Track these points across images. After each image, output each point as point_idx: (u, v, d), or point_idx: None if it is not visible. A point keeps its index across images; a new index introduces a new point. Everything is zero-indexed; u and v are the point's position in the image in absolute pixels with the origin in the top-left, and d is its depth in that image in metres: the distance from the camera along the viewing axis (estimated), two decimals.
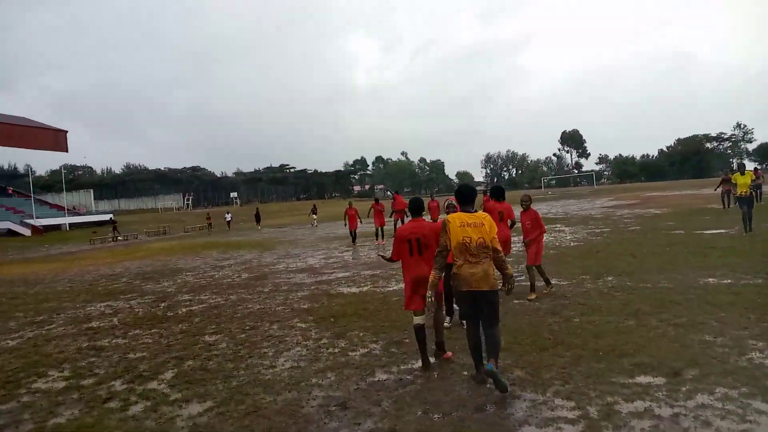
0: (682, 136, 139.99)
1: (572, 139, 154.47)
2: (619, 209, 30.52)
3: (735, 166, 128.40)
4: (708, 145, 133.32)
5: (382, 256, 6.82)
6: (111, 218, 53.22)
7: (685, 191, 46.86)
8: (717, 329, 6.12)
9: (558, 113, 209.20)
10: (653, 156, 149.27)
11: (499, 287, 5.01)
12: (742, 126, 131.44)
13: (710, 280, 8.80)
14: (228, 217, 48.80)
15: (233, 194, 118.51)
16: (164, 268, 17.72)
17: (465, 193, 5.20)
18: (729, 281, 8.57)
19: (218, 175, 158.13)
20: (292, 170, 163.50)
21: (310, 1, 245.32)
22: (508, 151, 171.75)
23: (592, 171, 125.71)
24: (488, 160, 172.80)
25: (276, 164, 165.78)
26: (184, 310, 10.03)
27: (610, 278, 9.71)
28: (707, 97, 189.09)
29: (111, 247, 34.59)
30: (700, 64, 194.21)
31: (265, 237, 31.32)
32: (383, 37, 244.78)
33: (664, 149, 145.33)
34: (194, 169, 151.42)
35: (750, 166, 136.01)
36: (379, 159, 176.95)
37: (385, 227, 21.57)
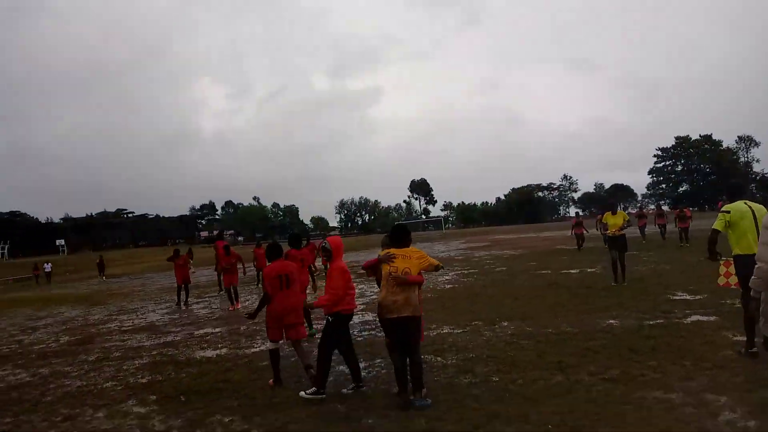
0: (516, 186, 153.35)
1: (420, 187, 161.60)
2: (476, 251, 31.08)
3: (573, 210, 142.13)
4: (540, 193, 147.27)
5: (250, 315, 6.82)
6: None
7: (527, 234, 50.02)
8: (662, 382, 5.24)
9: (405, 163, 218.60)
10: (492, 203, 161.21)
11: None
12: (568, 177, 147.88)
13: (612, 322, 8.19)
14: (47, 267, 42.17)
15: (60, 242, 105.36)
16: None
17: (396, 233, 5.61)
18: (633, 322, 8.00)
19: (42, 221, 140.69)
20: (130, 215, 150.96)
21: (156, 44, 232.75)
22: (360, 197, 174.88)
23: (439, 216, 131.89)
24: (342, 205, 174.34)
25: (111, 208, 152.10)
26: None
27: (505, 324, 8.78)
28: (534, 151, 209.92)
29: None
30: (526, 123, 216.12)
31: (95, 290, 27.08)
32: (232, 82, 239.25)
33: (501, 197, 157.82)
34: (13, 214, 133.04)
35: (572, 212, 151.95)
36: (229, 204, 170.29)
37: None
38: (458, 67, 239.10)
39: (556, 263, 18.59)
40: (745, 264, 5.65)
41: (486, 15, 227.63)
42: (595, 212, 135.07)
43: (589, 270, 15.49)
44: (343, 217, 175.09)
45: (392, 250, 5.38)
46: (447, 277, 17.09)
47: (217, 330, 10.80)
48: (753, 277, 4.01)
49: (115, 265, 51.88)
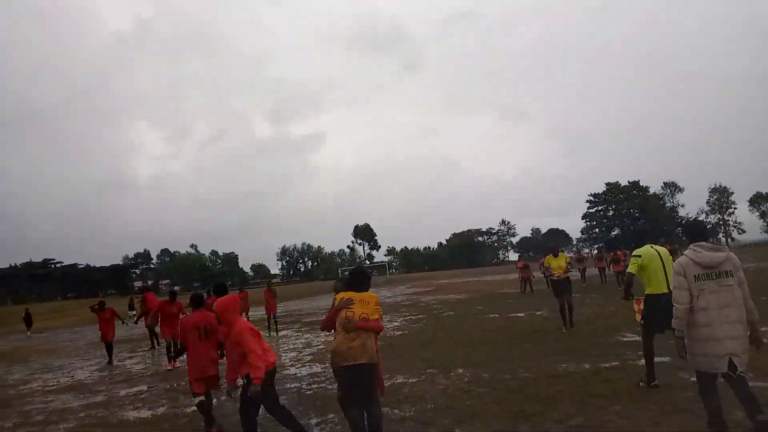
0: (456, 231, 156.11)
1: (364, 232, 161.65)
2: (422, 296, 30.94)
3: (514, 254, 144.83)
4: (480, 238, 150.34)
5: (171, 357, 7.32)
6: None
7: (469, 278, 50.49)
8: (631, 429, 5.08)
9: (348, 208, 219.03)
10: (433, 248, 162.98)
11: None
12: (506, 222, 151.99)
13: (567, 366, 8.08)
14: None
15: None
16: None
17: (356, 277, 5.32)
18: (588, 366, 7.92)
19: None
20: (58, 265, 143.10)
21: (91, 84, 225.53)
22: (303, 243, 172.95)
23: (384, 261, 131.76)
24: (284, 252, 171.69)
25: (37, 258, 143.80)
26: None
27: (460, 371, 8.53)
28: (472, 196, 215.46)
29: None
30: (463, 170, 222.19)
31: (16, 345, 25.03)
32: (170, 126, 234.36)
33: (443, 242, 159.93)
34: None
35: (513, 256, 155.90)
36: (165, 252, 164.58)
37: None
38: (398, 113, 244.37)
39: (503, 307, 18.64)
40: (653, 301, 6.39)
41: (424, 63, 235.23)
42: (533, 256, 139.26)
43: (536, 313, 15.55)
44: (285, 263, 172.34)
45: (350, 294, 5.05)
46: (396, 324, 16.77)
47: (153, 387, 10.00)
48: (673, 318, 4.27)
49: (41, 319, 48.55)
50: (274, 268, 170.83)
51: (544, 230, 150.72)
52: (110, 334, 14.33)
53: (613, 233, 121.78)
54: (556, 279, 12.01)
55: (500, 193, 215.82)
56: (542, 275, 25.01)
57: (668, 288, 6.06)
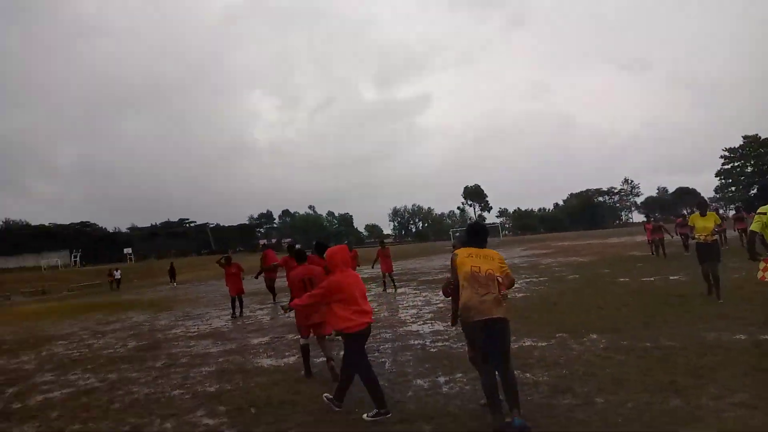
0: (574, 191, 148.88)
1: (475, 194, 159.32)
2: (540, 258, 29.91)
3: (637, 216, 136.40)
4: (600, 198, 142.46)
5: (282, 307, 6.60)
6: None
7: (591, 240, 48.03)
8: None
9: (457, 170, 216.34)
10: (549, 209, 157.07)
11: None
12: (629, 181, 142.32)
13: (718, 335, 7.29)
14: (117, 274, 43.42)
15: (127, 250, 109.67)
16: (29, 336, 14.16)
17: (473, 231, 5.19)
18: (743, 336, 7.09)
19: (110, 230, 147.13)
20: (192, 224, 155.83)
21: (208, 59, 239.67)
22: (413, 205, 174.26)
23: (496, 223, 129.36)
24: (395, 213, 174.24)
25: (174, 218, 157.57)
26: (39, 398, 7.12)
27: (594, 336, 8.00)
28: (591, 154, 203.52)
29: None
30: (580, 127, 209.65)
31: (162, 296, 27.60)
32: (282, 95, 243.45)
33: (559, 203, 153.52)
34: (83, 224, 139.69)
35: (638, 217, 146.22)
36: (286, 213, 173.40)
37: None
38: (507, 70, 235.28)
39: (633, 270, 17.43)
40: None
41: (532, 16, 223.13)
42: (660, 217, 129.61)
43: (672, 278, 14.34)
44: (396, 224, 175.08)
45: (471, 250, 4.90)
46: (516, 286, 16.24)
47: (281, 338, 10.46)
48: None
49: (180, 273, 53.26)
50: (387, 229, 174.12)
51: (671, 189, 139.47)
52: (237, 288, 14.76)
53: (751, 192, 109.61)
54: (703, 242, 10.35)
55: (622, 151, 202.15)
56: (678, 237, 23.12)
57: None
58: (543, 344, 7.78)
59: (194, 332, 12.28)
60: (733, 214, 24.42)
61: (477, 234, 5.08)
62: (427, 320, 10.99)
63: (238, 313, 14.56)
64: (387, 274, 18.54)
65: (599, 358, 6.69)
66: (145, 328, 13.85)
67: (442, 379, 6.36)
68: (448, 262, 5.23)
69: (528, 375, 6.21)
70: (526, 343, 7.92)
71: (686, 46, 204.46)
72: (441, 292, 5.18)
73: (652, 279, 14.55)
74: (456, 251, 4.99)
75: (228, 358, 8.82)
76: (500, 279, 4.78)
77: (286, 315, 7.97)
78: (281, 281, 17.87)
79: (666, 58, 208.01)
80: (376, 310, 13.56)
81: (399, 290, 17.87)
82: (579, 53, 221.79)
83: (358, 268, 21.20)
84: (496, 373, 4.68)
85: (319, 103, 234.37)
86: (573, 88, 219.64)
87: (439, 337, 9.00)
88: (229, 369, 7.99)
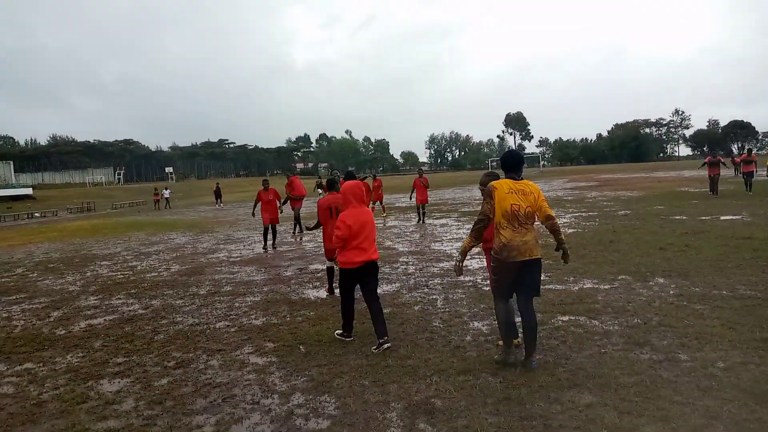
0: (619, 122, 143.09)
1: (516, 122, 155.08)
2: (585, 191, 28.92)
3: (683, 150, 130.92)
4: (647, 130, 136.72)
5: (308, 227, 7.66)
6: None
7: (637, 174, 46.33)
8: None
9: (498, 96, 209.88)
10: (592, 140, 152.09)
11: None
12: (680, 112, 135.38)
13: None
14: (167, 193, 43.54)
15: (168, 169, 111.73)
16: (75, 255, 14.36)
17: (510, 160, 4.77)
18: None
19: (152, 149, 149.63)
20: (231, 145, 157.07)
21: None
22: (451, 132, 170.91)
23: (537, 153, 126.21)
24: (432, 140, 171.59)
25: (214, 139, 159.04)
26: (83, 324, 7.02)
27: (661, 280, 7.42)
28: (639, 83, 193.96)
29: (24, 225, 30.23)
30: (630, 53, 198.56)
31: (203, 216, 27.88)
32: (323, 12, 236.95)
33: (603, 134, 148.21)
34: (127, 142, 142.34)
35: (684, 151, 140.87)
36: (323, 137, 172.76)
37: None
38: None
39: (689, 208, 16.50)
40: None
41: None
42: (707, 152, 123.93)
43: (735, 217, 13.43)
44: (432, 152, 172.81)
45: (510, 184, 4.58)
46: (564, 220, 15.60)
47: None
48: None
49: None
50: (423, 156, 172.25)
51: (724, 122, 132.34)
52: (272, 217, 13.23)
53: None
54: None
55: (675, 79, 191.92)
56: (738, 176, 21.77)
57: None
58: (606, 287, 7.26)
59: (237, 257, 12.15)
60: None
61: (515, 164, 4.74)
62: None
63: (270, 246, 13.22)
64: (421, 205, 17.76)
65: (673, 306, 6.13)
66: (187, 251, 13.84)
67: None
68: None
69: (595, 323, 5.72)
70: (587, 285, 7.41)
71: None
72: (473, 236, 4.70)
73: (712, 218, 13.68)
74: (494, 183, 4.64)
75: (273, 288, 8.60)
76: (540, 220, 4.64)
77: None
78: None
79: None
80: (418, 241, 13.17)
81: (432, 221, 17.37)
82: None
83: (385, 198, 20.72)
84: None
85: (360, 21, 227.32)
86: (625, 10, 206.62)
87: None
88: (275, 300, 7.75)
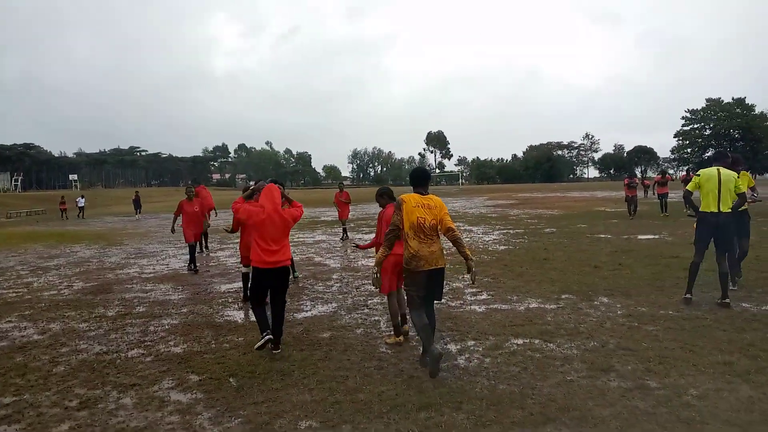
0: (533, 143, 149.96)
1: (437, 140, 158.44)
2: (507, 209, 29.51)
3: (591, 172, 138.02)
4: (559, 152, 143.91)
5: (226, 230, 7.36)
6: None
7: (553, 194, 48.20)
8: None
9: (420, 114, 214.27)
10: (507, 160, 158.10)
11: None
12: (590, 136, 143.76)
13: (749, 306, 6.67)
14: (81, 202, 39.49)
15: (73, 176, 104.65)
16: None
17: (418, 176, 5.19)
18: None
19: (56, 155, 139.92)
20: (143, 153, 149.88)
21: None
22: (374, 148, 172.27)
23: (457, 171, 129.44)
24: (355, 155, 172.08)
25: (124, 146, 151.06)
26: None
27: (605, 299, 7.29)
28: (552, 107, 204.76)
29: None
30: (544, 79, 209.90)
31: (111, 228, 25.87)
32: (245, 20, 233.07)
33: (518, 155, 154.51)
34: (27, 146, 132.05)
35: (593, 173, 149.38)
36: (242, 147, 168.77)
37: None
38: (474, 20, 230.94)
39: (611, 227, 17.00)
40: (703, 219, 6.86)
41: None
42: (614, 174, 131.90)
43: (656, 237, 13.88)
44: (355, 167, 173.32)
45: (417, 199, 4.94)
46: (493, 237, 15.58)
47: None
48: None
49: (127, 203, 50.90)
50: (345, 171, 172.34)
51: (628, 147, 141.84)
52: (196, 233, 11.44)
53: (706, 155, 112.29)
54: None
55: (584, 105, 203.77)
56: (651, 197, 22.77)
57: (717, 208, 6.70)
58: (552, 307, 7.00)
59: (150, 274, 11.04)
60: (682, 175, 23.59)
61: (423, 180, 5.14)
62: None
63: (197, 264, 11.34)
64: (343, 221, 16.90)
65: (625, 327, 5.93)
66: (93, 266, 12.50)
67: (453, 348, 5.47)
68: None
69: (552, 346, 5.39)
70: (532, 305, 7.14)
71: (660, 2, 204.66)
72: (386, 245, 5.00)
73: (634, 237, 14.07)
74: (403, 197, 4.96)
75: (193, 309, 7.71)
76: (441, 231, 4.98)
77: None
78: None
79: (638, 13, 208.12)
80: (350, 257, 12.60)
81: (362, 236, 16.84)
82: (550, 3, 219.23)
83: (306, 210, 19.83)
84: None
85: (283, 32, 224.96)
86: (541, 39, 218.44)
87: None
88: (196, 323, 6.89)
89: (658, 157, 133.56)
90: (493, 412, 3.90)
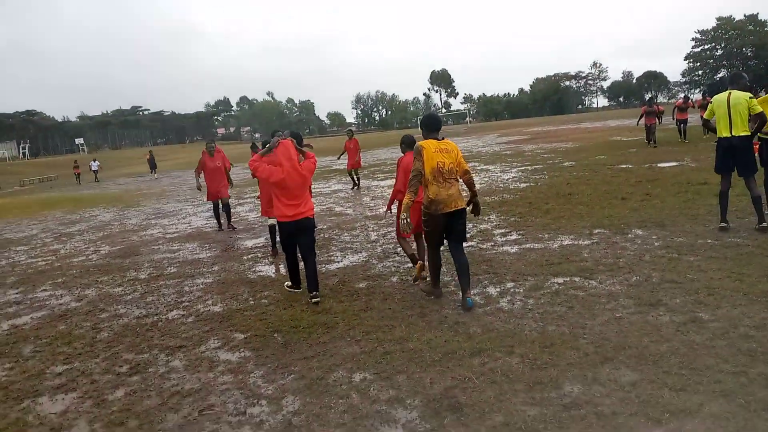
0: (540, 75, 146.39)
1: (441, 78, 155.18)
2: (520, 144, 29.07)
3: (600, 101, 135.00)
4: (567, 83, 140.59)
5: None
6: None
7: (565, 126, 47.36)
8: None
9: (425, 52, 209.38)
10: (514, 95, 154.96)
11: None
12: (597, 64, 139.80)
13: None
14: (94, 165, 39.15)
15: (79, 140, 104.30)
16: None
17: (431, 122, 5.32)
18: None
19: (59, 120, 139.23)
20: (145, 112, 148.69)
21: None
22: (377, 91, 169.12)
23: (464, 109, 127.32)
24: (358, 100, 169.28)
25: (126, 106, 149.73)
26: (5, 326, 5.92)
27: (639, 231, 7.17)
28: (558, 36, 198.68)
29: None
30: (549, 3, 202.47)
31: (124, 189, 25.91)
32: None
33: (525, 88, 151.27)
34: (29, 113, 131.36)
35: (602, 102, 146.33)
36: (243, 99, 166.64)
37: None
38: None
39: (630, 156, 16.66)
40: (718, 144, 6.90)
41: None
42: (624, 102, 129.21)
43: (679, 164, 13.60)
44: (359, 112, 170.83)
45: (434, 144, 5.08)
46: (512, 175, 15.37)
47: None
48: None
49: (139, 163, 50.95)
50: (350, 117, 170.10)
51: (637, 74, 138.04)
52: (218, 190, 10.65)
53: (717, 76, 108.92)
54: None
55: (590, 32, 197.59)
56: (674, 123, 22.14)
57: (729, 132, 6.66)
58: (586, 243, 6.91)
59: (174, 233, 11.05)
60: (697, 99, 22.66)
61: (436, 126, 5.30)
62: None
63: (226, 225, 10.82)
64: (353, 170, 16.17)
65: (665, 260, 5.82)
66: (115, 229, 12.54)
67: (492, 291, 5.41)
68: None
69: (593, 283, 5.31)
70: (566, 242, 7.04)
71: None
72: (411, 191, 5.05)
73: (659, 166, 13.80)
74: (422, 143, 5.09)
75: (224, 266, 7.72)
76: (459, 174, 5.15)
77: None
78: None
79: None
80: (370, 204, 12.51)
81: (378, 183, 16.56)
82: None
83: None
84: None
85: None
86: None
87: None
88: (230, 280, 6.90)
89: (669, 82, 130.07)
90: (547, 354, 3.86)
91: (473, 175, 5.04)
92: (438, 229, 5.08)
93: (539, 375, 3.56)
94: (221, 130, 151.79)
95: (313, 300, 5.48)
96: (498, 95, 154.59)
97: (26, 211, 19.11)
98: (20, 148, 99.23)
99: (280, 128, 9.86)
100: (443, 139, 5.20)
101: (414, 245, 6.25)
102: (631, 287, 5.08)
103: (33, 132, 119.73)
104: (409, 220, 5.11)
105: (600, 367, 3.60)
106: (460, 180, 5.18)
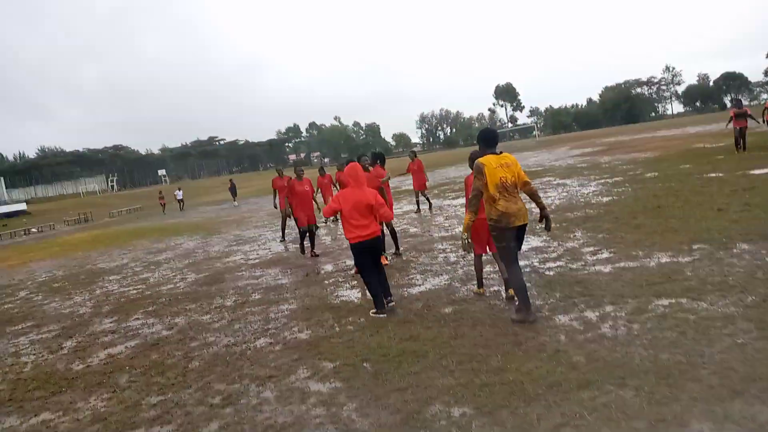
0: (609, 84, 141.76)
1: (506, 93, 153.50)
2: (595, 156, 28.02)
3: (674, 107, 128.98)
4: (638, 89, 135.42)
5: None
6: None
7: (641, 135, 45.43)
8: None
9: (486, 67, 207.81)
10: (582, 105, 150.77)
11: None
12: (670, 68, 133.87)
13: None
14: (179, 195, 40.92)
15: (161, 172, 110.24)
16: (80, 271, 13.46)
17: (489, 138, 5.36)
18: None
19: (143, 153, 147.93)
20: (221, 142, 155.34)
21: None
22: (441, 109, 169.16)
23: (531, 123, 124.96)
24: (423, 119, 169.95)
25: (204, 137, 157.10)
26: (102, 355, 6.16)
27: (745, 246, 6.58)
28: (627, 41, 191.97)
29: (22, 242, 29.22)
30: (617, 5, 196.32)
31: (205, 217, 26.93)
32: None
33: (593, 98, 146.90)
34: (116, 147, 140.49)
35: (677, 108, 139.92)
36: (312, 125, 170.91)
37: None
38: None
39: (720, 164, 15.62)
40: None
41: None
42: (701, 107, 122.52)
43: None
44: (424, 131, 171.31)
45: (494, 159, 5.12)
46: (592, 188, 14.74)
47: None
48: None
49: (218, 192, 53.02)
50: (414, 137, 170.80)
51: (714, 76, 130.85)
52: (309, 215, 10.50)
53: None
54: None
55: (661, 33, 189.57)
56: (762, 124, 20.74)
57: None
58: (687, 259, 6.41)
59: (255, 259, 11.27)
60: None
61: (494, 141, 5.35)
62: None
63: (309, 252, 10.67)
64: (420, 191, 15.60)
65: None
66: (199, 256, 12.96)
67: (591, 315, 5.08)
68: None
69: (703, 304, 4.87)
70: (664, 260, 6.56)
71: None
72: (471, 210, 5.19)
73: (753, 173, 12.83)
74: (481, 161, 5.12)
75: (307, 291, 7.74)
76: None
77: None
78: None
79: None
80: (445, 224, 12.30)
81: (450, 202, 16.22)
82: None
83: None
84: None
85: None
86: None
87: (546, 256, 7.68)
88: (314, 306, 6.88)
89: (749, 83, 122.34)
90: (665, 386, 3.52)
91: (541, 190, 4.88)
92: (512, 242, 5.13)
93: (661, 411, 3.24)
94: (292, 157, 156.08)
95: (389, 304, 6.06)
96: (566, 106, 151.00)
97: (116, 241, 20.18)
98: (108, 182, 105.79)
99: (375, 150, 11.64)
100: (501, 153, 5.24)
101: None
102: (749, 309, 4.63)
103: (120, 165, 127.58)
104: (470, 240, 5.23)
105: (729, 402, 3.24)
106: (521, 192, 5.27)
